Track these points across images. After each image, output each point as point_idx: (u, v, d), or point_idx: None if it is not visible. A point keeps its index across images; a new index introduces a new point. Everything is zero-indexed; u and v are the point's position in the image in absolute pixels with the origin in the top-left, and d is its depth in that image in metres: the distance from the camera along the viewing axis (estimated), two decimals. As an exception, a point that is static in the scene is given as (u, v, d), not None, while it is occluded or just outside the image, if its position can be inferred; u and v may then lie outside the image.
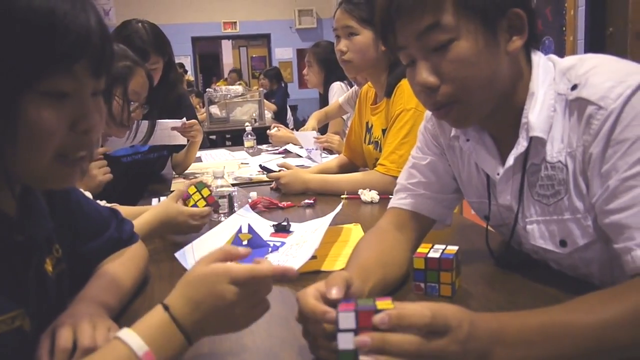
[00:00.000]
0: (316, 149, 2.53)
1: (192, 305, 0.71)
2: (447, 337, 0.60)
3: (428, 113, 1.12)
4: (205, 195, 1.36)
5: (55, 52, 0.67)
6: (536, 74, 0.90)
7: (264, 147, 3.24)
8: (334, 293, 0.71)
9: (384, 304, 0.63)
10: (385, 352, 0.60)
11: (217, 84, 9.22)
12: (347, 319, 0.63)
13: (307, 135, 2.64)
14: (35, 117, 0.67)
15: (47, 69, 0.67)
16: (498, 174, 0.96)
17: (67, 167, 0.73)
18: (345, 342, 0.63)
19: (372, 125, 1.98)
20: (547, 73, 0.89)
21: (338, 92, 3.26)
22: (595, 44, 3.74)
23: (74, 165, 0.74)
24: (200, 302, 0.71)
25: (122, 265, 1.00)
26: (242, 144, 3.31)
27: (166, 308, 0.70)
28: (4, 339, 0.70)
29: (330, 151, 2.64)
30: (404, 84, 1.77)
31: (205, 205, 1.36)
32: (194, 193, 1.36)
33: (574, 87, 0.85)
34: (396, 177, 1.66)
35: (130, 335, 0.67)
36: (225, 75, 9.26)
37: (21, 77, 0.65)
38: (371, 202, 1.68)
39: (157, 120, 2.04)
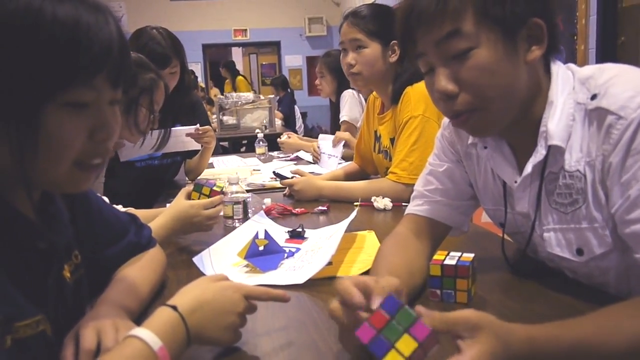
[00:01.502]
0: (336, 156, 2.54)
1: (197, 304, 0.77)
2: None
3: (445, 121, 1.13)
4: (208, 194, 1.38)
5: (79, 65, 0.68)
6: (555, 83, 0.90)
7: (275, 153, 3.26)
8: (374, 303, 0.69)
9: (408, 344, 0.61)
10: None
11: (216, 90, 9.22)
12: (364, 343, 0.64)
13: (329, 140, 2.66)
14: (55, 127, 0.68)
15: (69, 81, 0.68)
16: (515, 182, 0.97)
17: (84, 173, 0.75)
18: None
19: (380, 135, 1.99)
20: (566, 82, 0.90)
21: (350, 100, 3.27)
22: (607, 53, 3.73)
23: (90, 171, 0.76)
24: (205, 302, 0.77)
25: (141, 270, 1.01)
26: (254, 151, 3.33)
27: (174, 308, 0.75)
28: (30, 342, 0.71)
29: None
30: (410, 91, 1.78)
31: None
32: (198, 198, 1.38)
33: (594, 97, 0.85)
34: (408, 185, 1.69)
35: (144, 332, 0.70)
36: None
37: (44, 88, 0.67)
38: (384, 210, 1.68)
39: (172, 129, 2.07)
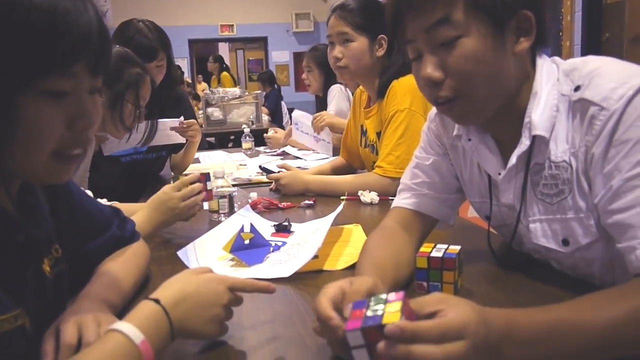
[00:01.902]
0: (328, 142, 2.52)
1: (180, 297, 0.75)
2: (464, 343, 0.60)
3: (431, 113, 1.13)
4: None
5: (56, 53, 0.66)
6: (540, 74, 0.90)
7: (261, 148, 3.25)
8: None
9: (391, 315, 0.62)
10: None
11: (204, 85, 9.23)
12: (355, 338, 0.62)
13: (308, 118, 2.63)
14: (33, 116, 0.67)
15: (47, 69, 0.66)
16: (499, 174, 0.97)
17: (63, 164, 0.73)
18: (361, 356, 0.62)
19: (366, 129, 1.99)
20: (550, 74, 0.90)
21: (338, 94, 3.26)
22: (592, 49, 3.77)
23: (70, 161, 0.74)
24: (188, 295, 0.76)
25: (124, 264, 0.99)
26: (240, 146, 3.31)
27: (157, 301, 0.73)
28: (9, 336, 0.70)
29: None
30: (396, 85, 1.78)
31: None
32: None
33: (577, 88, 0.85)
34: (394, 179, 1.69)
35: (125, 326, 0.68)
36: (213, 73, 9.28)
37: (21, 76, 0.65)
38: (371, 203, 1.68)
39: (157, 121, 2.05)
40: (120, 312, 0.90)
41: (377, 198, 1.69)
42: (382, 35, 1.83)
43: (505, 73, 0.88)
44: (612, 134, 0.79)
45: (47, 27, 0.65)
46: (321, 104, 3.46)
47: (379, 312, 0.63)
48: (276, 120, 6.76)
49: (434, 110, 1.12)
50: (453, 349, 0.59)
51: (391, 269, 0.93)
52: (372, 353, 0.61)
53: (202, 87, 9.07)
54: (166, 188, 1.32)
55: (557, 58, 0.93)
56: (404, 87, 1.76)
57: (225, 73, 9.20)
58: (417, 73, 0.92)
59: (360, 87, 2.05)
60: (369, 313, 0.63)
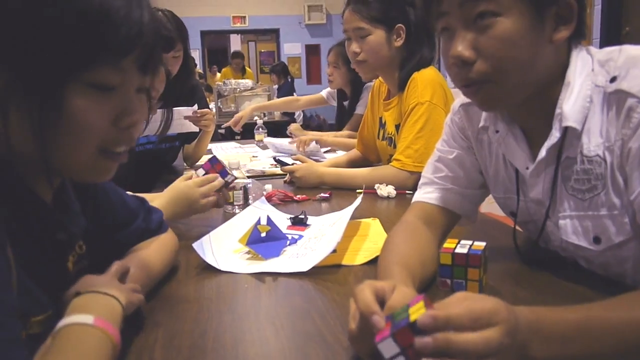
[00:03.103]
0: (317, 150, 2.52)
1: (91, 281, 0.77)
2: (498, 329, 0.58)
3: (455, 105, 1.09)
4: None
5: (106, 45, 0.67)
6: (574, 64, 0.86)
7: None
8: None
9: (417, 309, 0.60)
10: (449, 354, 0.56)
11: (219, 76, 9.29)
12: (388, 347, 0.60)
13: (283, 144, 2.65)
14: (79, 107, 0.67)
15: (96, 61, 0.67)
16: (527, 168, 0.94)
17: (108, 161, 0.73)
18: None
19: (385, 122, 1.95)
20: (584, 64, 0.86)
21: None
22: (611, 44, 3.68)
23: (115, 159, 0.74)
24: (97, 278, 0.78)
25: (152, 251, 0.98)
26: (249, 138, 3.29)
27: (77, 293, 0.73)
28: (42, 338, 0.67)
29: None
30: (417, 77, 1.74)
31: None
32: None
33: (613, 79, 0.82)
34: (412, 172, 1.66)
35: (73, 317, 0.67)
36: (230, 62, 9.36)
37: (69, 66, 0.65)
38: (388, 197, 1.65)
39: (172, 109, 2.03)
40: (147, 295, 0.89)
41: (395, 192, 1.66)
42: (399, 25, 1.79)
43: (539, 61, 0.83)
44: None
45: (98, 19, 0.66)
46: (350, 100, 3.30)
47: (405, 316, 0.61)
48: (288, 113, 6.73)
49: (457, 102, 1.08)
50: (492, 335, 0.58)
51: (418, 266, 0.90)
52: (410, 358, 0.59)
53: (216, 79, 9.12)
54: (190, 182, 1.31)
55: (592, 48, 0.89)
56: (425, 80, 1.72)
57: (248, 68, 9.30)
58: (446, 52, 0.86)
59: (379, 78, 2.02)
60: (396, 321, 0.62)
